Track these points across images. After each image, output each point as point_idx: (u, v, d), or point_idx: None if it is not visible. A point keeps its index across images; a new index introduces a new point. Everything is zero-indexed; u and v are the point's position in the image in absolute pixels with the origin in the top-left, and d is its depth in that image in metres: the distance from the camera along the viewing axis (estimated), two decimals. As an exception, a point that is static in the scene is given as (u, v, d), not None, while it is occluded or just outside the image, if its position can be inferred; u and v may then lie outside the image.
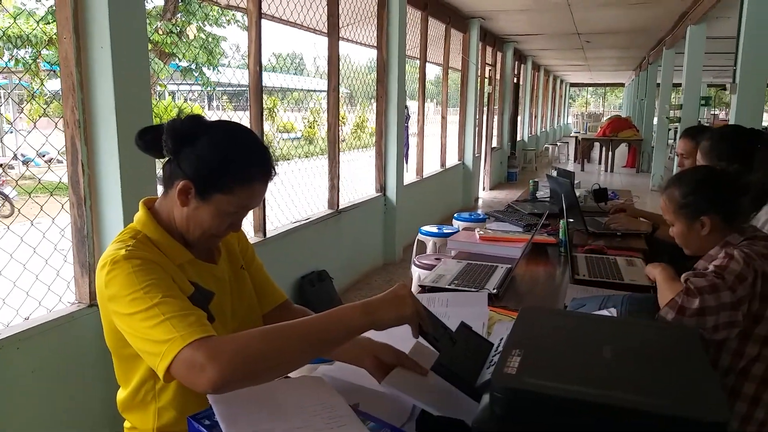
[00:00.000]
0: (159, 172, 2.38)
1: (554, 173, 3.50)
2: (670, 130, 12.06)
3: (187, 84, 10.33)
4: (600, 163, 14.27)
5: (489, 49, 9.53)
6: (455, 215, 4.85)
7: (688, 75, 7.09)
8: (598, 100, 39.42)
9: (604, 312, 1.61)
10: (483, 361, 1.20)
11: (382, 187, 5.33)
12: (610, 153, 13.19)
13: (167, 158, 1.19)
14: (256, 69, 3.39)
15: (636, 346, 1.13)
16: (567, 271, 2.22)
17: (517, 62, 12.00)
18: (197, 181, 1.14)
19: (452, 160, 8.08)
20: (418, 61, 6.57)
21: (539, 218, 3.03)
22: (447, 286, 1.96)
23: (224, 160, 1.14)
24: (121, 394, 1.25)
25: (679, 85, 9.82)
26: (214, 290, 1.24)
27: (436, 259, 3.44)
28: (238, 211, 1.19)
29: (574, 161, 15.29)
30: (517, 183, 11.02)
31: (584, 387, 0.94)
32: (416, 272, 3.37)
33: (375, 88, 5.22)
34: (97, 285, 1.13)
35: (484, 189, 9.80)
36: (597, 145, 14.23)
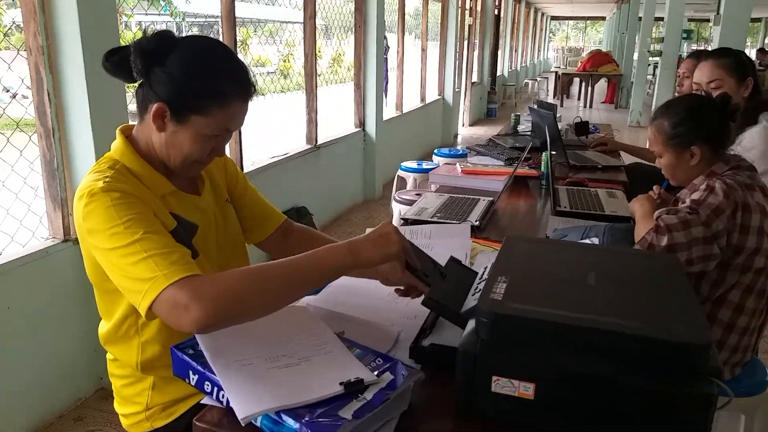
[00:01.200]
0: (130, 100, 2.28)
1: (536, 106, 3.46)
2: (650, 65, 11.99)
3: (156, 14, 9.86)
4: (579, 99, 14.21)
5: (470, -21, 9.23)
6: (435, 151, 4.81)
7: (671, 7, 6.96)
8: (578, 35, 38.70)
9: (587, 242, 1.62)
10: (471, 291, 1.21)
11: (361, 122, 5.24)
12: (589, 88, 13.11)
13: (139, 83, 1.12)
14: (229, -6, 3.23)
15: (619, 273, 1.14)
16: (548, 203, 2.22)
17: (498, -7, 11.66)
18: (171, 102, 1.08)
19: (432, 95, 7.95)
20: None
21: (521, 152, 3.01)
22: (429, 219, 1.95)
23: (198, 78, 1.08)
24: (104, 327, 1.24)
25: (661, 19, 9.70)
26: (197, 222, 1.20)
27: (417, 194, 3.42)
28: (219, 133, 1.13)
29: (554, 97, 15.19)
30: (496, 119, 10.94)
31: (568, 311, 0.95)
32: (396, 208, 3.36)
33: (352, 19, 5.04)
34: (75, 217, 1.09)
35: (463, 125, 9.72)
36: (576, 80, 14.11)
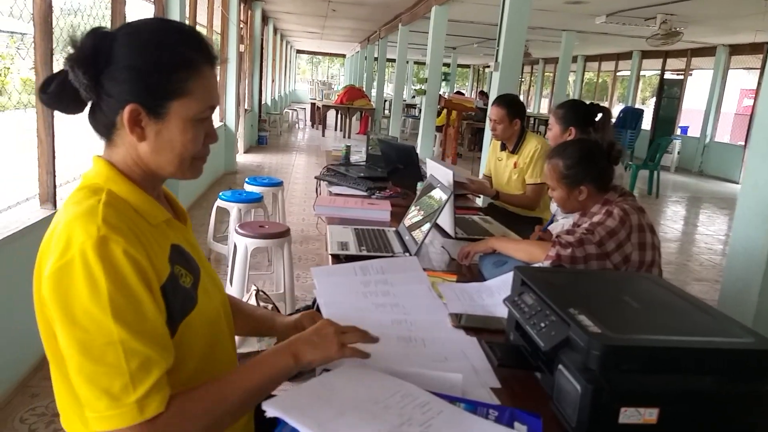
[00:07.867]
0: None
1: (374, 137, 3.57)
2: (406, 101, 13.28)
3: None
4: (336, 129, 15.00)
5: (242, 6, 9.11)
6: (220, 195, 4.50)
7: (432, 52, 7.86)
8: (313, 69, 40.40)
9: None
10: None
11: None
12: (347, 120, 13.92)
13: (90, 107, 0.94)
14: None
15: (641, 294, 1.26)
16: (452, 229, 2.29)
17: (261, 23, 11.72)
18: (142, 98, 0.90)
19: (214, 121, 7.55)
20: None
21: (372, 182, 3.09)
22: (360, 254, 1.88)
23: (159, 56, 0.91)
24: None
25: (394, 60, 10.87)
26: (196, 258, 1.02)
27: (260, 226, 3.23)
28: (206, 114, 0.96)
29: (312, 126, 15.78)
30: (268, 147, 10.89)
31: (662, 335, 1.03)
32: (242, 241, 3.11)
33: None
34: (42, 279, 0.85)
35: (238, 152, 9.45)
36: (332, 112, 14.87)
